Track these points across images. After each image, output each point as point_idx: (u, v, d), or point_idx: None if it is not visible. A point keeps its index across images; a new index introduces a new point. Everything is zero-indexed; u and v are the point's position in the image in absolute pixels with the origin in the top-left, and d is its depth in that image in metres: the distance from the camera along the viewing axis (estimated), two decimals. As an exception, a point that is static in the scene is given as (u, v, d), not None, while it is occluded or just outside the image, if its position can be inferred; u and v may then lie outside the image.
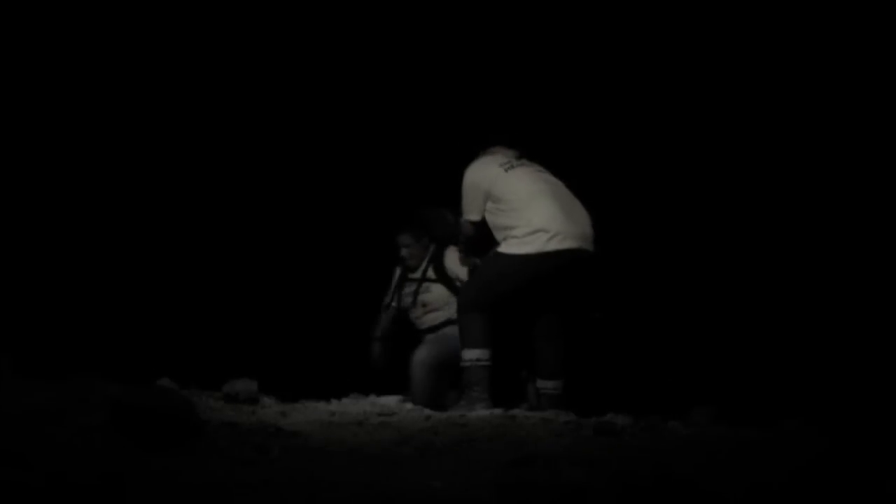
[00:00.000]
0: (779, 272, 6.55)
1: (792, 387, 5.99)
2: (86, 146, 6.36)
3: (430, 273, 5.60)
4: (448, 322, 5.37)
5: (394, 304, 5.71)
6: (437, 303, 5.49)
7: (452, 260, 5.41)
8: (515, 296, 4.71)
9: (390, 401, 4.43)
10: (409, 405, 4.31)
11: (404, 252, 5.60)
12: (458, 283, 5.34)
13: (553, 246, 4.57)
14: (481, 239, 4.87)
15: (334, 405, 4.21)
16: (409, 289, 5.62)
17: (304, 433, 3.26)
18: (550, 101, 6.58)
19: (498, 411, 4.22)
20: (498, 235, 4.68)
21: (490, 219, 4.74)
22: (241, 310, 6.20)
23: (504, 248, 4.61)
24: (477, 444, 3.06)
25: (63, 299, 6.17)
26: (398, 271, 5.72)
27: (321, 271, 6.59)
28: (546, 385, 4.73)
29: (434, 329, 5.50)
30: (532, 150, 4.98)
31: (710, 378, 5.88)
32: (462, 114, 6.23)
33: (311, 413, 3.84)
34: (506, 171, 4.74)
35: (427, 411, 4.19)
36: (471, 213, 4.83)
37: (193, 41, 6.40)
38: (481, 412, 4.22)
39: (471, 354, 4.57)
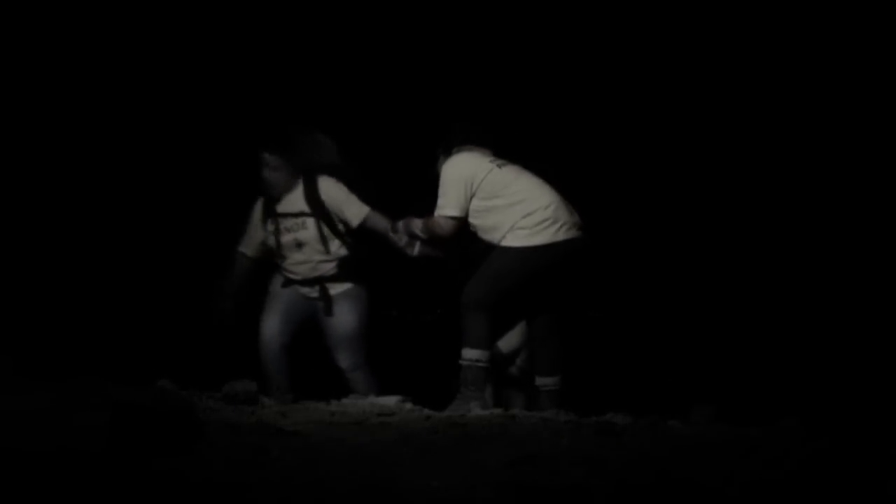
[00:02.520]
0: (778, 272, 6.55)
1: (792, 387, 5.99)
2: (86, 147, 6.35)
3: (306, 207, 4.97)
4: (324, 279, 4.94)
5: (244, 250, 5.06)
6: (315, 242, 4.94)
7: (328, 191, 4.94)
8: (520, 290, 4.71)
9: (390, 401, 4.43)
10: (408, 405, 4.31)
11: (266, 173, 4.93)
12: (347, 220, 4.90)
13: (561, 236, 4.59)
14: (449, 238, 4.73)
15: (334, 405, 4.21)
16: (281, 224, 4.97)
17: (304, 433, 3.26)
18: (534, 98, 6.56)
19: (497, 411, 4.22)
20: (495, 234, 4.65)
21: (484, 216, 4.67)
22: (240, 311, 6.19)
23: (512, 242, 4.58)
24: (477, 444, 3.06)
25: (64, 301, 6.17)
26: (258, 207, 5.05)
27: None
28: (545, 382, 4.73)
29: (310, 283, 4.98)
30: (505, 148, 4.91)
31: (710, 378, 5.88)
32: (423, 110, 6.13)
33: (311, 413, 3.84)
34: (499, 167, 4.72)
35: (427, 411, 4.19)
36: (451, 209, 4.67)
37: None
38: (480, 412, 4.22)
39: (471, 354, 4.56)
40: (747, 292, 6.52)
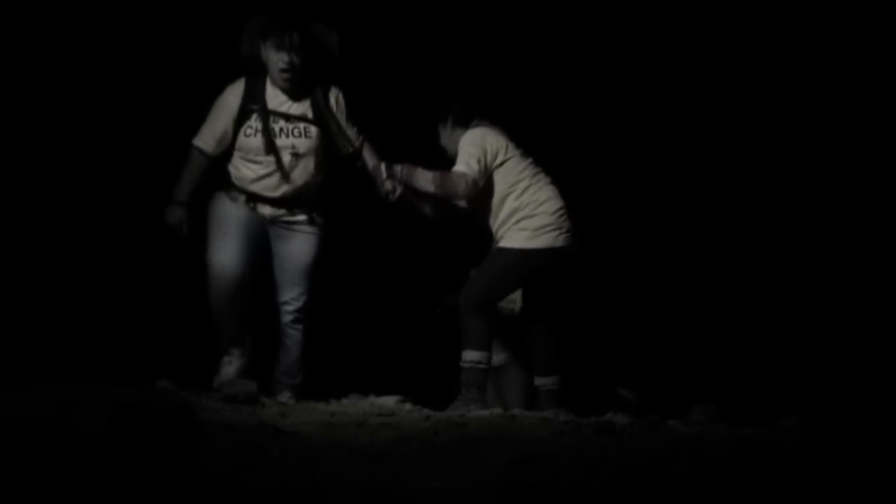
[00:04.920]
0: (778, 272, 6.54)
1: (792, 387, 5.99)
2: (85, 147, 6.34)
3: (311, 112, 4.33)
4: (303, 201, 4.30)
5: (205, 147, 4.31)
6: (313, 155, 4.31)
7: (340, 102, 4.41)
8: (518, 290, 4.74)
9: (389, 401, 4.43)
10: (408, 405, 4.31)
11: (292, 58, 4.17)
12: (346, 141, 4.40)
13: (560, 242, 4.59)
14: (459, 198, 4.61)
15: (334, 405, 4.21)
16: (277, 125, 4.27)
17: (303, 434, 3.26)
18: (535, 98, 6.54)
19: (497, 411, 4.22)
20: (497, 228, 4.64)
21: (497, 199, 4.65)
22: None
23: (511, 242, 4.59)
24: (477, 444, 3.06)
25: (63, 301, 6.16)
26: (232, 98, 4.31)
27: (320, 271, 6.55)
28: (544, 382, 4.74)
29: (292, 203, 4.32)
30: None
31: (710, 378, 5.88)
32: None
33: (310, 413, 3.83)
34: (521, 155, 4.69)
35: (427, 411, 4.19)
36: (475, 172, 4.47)
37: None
38: (480, 412, 4.22)
39: (472, 356, 4.56)
40: (747, 292, 6.52)
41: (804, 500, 2.45)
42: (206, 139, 4.42)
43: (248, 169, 4.38)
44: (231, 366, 4.43)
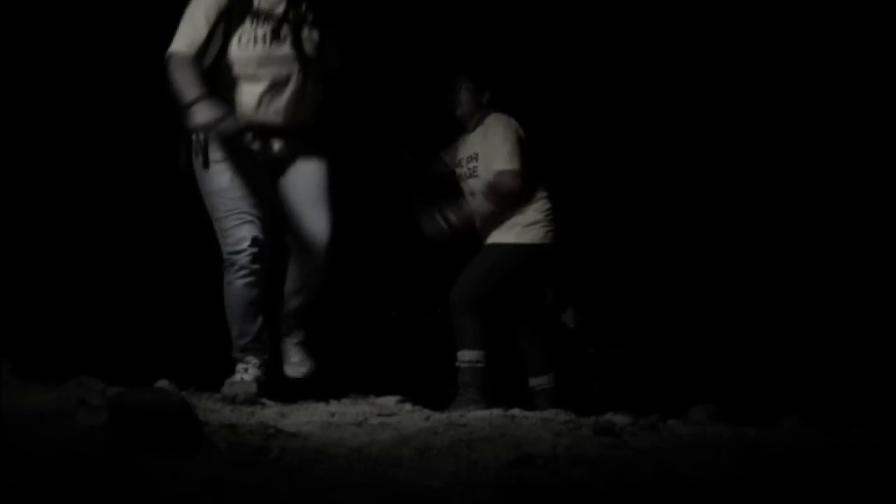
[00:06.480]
0: (778, 272, 6.54)
1: (792, 387, 5.99)
2: (84, 148, 6.35)
3: (310, 15, 3.67)
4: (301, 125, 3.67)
5: (187, 51, 3.52)
6: (313, 63, 3.65)
7: (331, 49, 3.79)
8: (509, 288, 4.73)
9: (389, 401, 4.43)
10: (408, 405, 4.31)
11: None
12: (335, 59, 3.80)
13: (549, 239, 4.63)
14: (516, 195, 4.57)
15: (334, 405, 4.20)
16: (283, 31, 3.57)
17: (303, 434, 3.25)
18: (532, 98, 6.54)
19: (497, 411, 4.22)
20: (502, 219, 4.65)
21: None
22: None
23: (501, 239, 4.61)
24: (477, 444, 3.06)
25: (62, 301, 6.16)
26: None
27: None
28: (539, 381, 4.75)
29: (295, 130, 3.71)
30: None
31: (710, 378, 5.88)
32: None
33: (310, 413, 3.83)
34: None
35: (427, 411, 4.19)
36: (521, 163, 4.50)
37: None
38: (480, 412, 4.22)
39: (468, 356, 4.56)
40: (747, 292, 6.52)
41: (805, 501, 2.45)
42: (190, 44, 3.60)
43: (246, 94, 3.68)
44: (248, 374, 4.11)
